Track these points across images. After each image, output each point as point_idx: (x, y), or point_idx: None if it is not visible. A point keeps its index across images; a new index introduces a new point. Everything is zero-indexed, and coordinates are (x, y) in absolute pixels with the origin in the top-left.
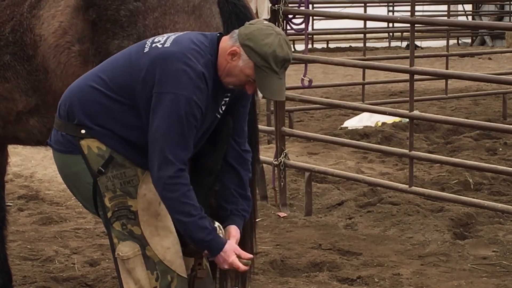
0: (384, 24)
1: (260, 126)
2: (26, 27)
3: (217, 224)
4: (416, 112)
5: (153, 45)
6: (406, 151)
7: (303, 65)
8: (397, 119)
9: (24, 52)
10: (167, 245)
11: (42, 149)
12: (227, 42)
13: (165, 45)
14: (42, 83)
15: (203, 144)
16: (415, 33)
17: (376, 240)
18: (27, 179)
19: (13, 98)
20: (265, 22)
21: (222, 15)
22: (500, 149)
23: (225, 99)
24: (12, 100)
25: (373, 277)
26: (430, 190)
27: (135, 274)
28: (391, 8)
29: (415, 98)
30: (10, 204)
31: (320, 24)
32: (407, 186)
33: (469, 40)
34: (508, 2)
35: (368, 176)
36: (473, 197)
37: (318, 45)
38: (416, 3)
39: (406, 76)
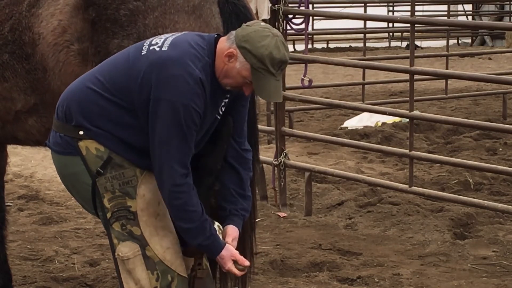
0: (384, 24)
1: (260, 126)
2: (25, 26)
3: (216, 224)
4: (416, 112)
5: (151, 47)
6: (406, 151)
7: (303, 65)
8: (397, 119)
9: (23, 50)
10: (166, 245)
11: (42, 149)
12: (224, 44)
13: (163, 49)
14: (41, 81)
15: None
16: (415, 33)
17: (376, 240)
18: (27, 179)
19: (12, 97)
20: (262, 23)
21: (222, 15)
22: (500, 149)
23: (224, 100)
24: (11, 100)
25: (373, 277)
26: (430, 190)
27: (135, 274)
28: (391, 8)
29: (415, 98)
30: (10, 204)
31: (320, 24)
32: (407, 186)
33: (469, 40)
34: (508, 2)
35: (368, 176)
36: (473, 197)
37: (318, 45)
38: (416, 3)
39: (406, 76)
